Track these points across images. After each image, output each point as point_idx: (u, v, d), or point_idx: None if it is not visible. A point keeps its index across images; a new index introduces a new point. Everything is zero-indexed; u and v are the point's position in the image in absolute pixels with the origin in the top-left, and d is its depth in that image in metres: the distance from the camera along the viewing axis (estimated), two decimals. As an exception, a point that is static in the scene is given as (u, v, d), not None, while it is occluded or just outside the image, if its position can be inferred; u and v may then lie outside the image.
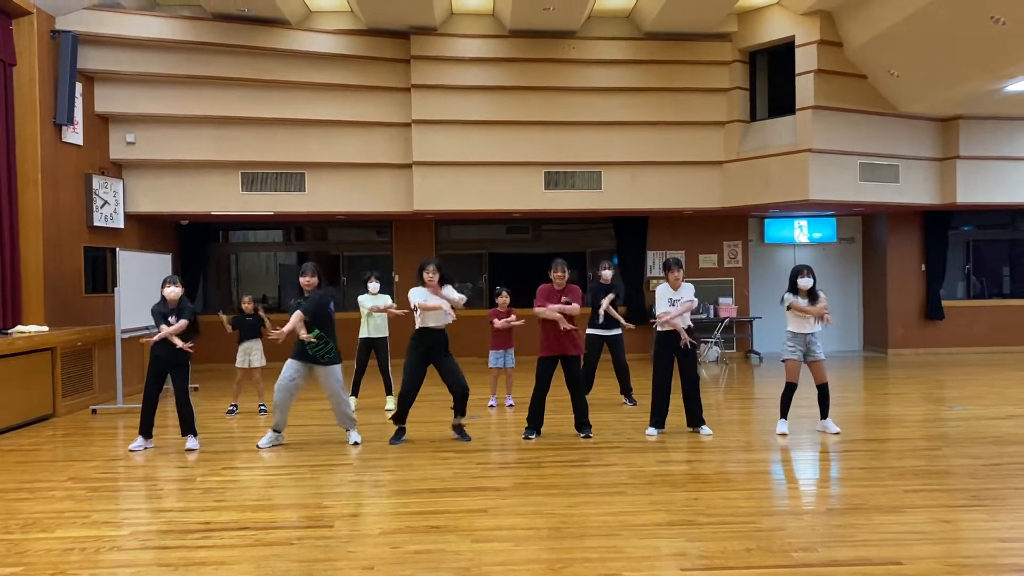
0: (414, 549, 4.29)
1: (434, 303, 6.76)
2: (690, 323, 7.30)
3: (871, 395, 9.84)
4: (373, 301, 8.69)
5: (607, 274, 8.85)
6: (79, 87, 10.44)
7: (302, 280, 6.88)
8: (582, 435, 7.12)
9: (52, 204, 9.86)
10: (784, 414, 7.27)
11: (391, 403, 8.68)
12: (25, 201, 9.59)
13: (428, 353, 6.91)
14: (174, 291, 6.94)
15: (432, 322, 6.87)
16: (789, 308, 7.11)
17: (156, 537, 4.56)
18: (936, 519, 4.72)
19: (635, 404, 8.75)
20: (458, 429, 7.12)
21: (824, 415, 7.28)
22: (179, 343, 6.81)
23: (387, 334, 8.88)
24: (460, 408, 7.01)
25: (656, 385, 7.26)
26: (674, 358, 7.21)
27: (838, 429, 7.20)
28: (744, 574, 3.92)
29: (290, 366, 6.88)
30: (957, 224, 14.37)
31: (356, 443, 6.97)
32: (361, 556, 4.21)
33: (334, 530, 4.67)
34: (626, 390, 8.98)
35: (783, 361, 7.21)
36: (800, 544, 4.30)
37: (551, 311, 6.88)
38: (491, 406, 8.84)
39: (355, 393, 8.71)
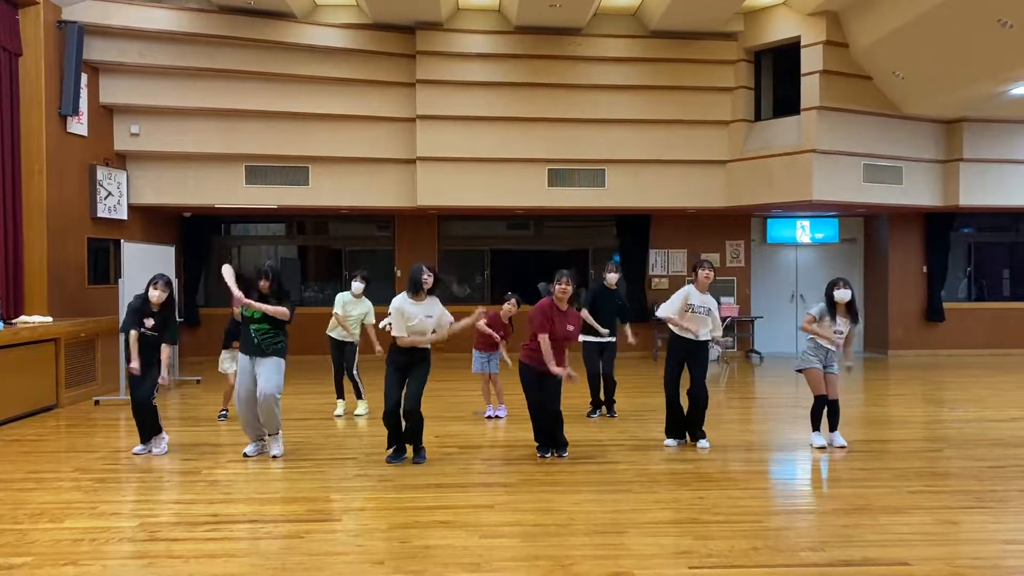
0: (423, 544, 4.31)
1: (410, 339, 5.98)
2: (718, 343, 6.81)
3: (872, 396, 9.87)
4: (353, 304, 8.09)
5: (612, 277, 8.08)
6: (84, 78, 10.42)
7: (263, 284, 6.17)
8: (560, 454, 6.35)
9: (56, 195, 9.85)
10: (816, 426, 6.69)
11: (363, 407, 8.22)
12: (29, 191, 9.58)
13: (405, 368, 6.08)
14: (157, 295, 6.33)
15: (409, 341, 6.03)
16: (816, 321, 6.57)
17: (165, 529, 4.57)
18: (941, 520, 4.74)
19: (614, 416, 8.10)
20: (417, 450, 6.21)
21: (833, 427, 6.71)
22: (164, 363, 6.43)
23: (356, 340, 8.24)
24: (411, 434, 6.13)
25: (667, 394, 6.74)
26: (684, 364, 6.68)
27: (846, 443, 6.67)
28: (752, 572, 3.94)
29: (243, 368, 6.21)
30: (959, 226, 14.39)
31: (276, 456, 6.28)
32: (371, 550, 4.23)
33: (342, 524, 4.69)
34: (609, 402, 8.19)
35: (799, 371, 6.70)
36: (807, 543, 4.32)
37: (559, 370, 6.06)
38: (488, 416, 8.02)
39: (340, 396, 8.34)
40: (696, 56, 12.15)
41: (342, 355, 8.30)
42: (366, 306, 8.24)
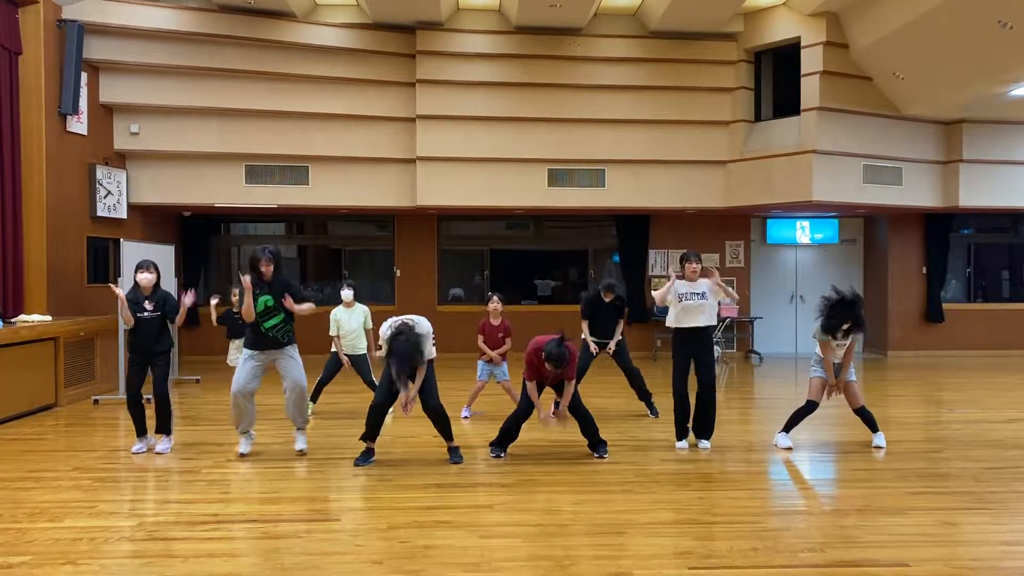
0: (422, 544, 4.31)
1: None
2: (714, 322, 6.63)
3: (871, 397, 9.81)
4: (348, 315, 7.88)
5: (608, 298, 8.02)
6: (84, 77, 10.42)
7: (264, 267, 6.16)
8: (596, 455, 6.35)
9: (56, 194, 9.85)
10: (788, 428, 6.73)
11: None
12: (29, 190, 9.58)
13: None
14: (147, 277, 6.37)
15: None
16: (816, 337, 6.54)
17: (164, 528, 4.57)
18: (940, 521, 4.74)
19: (656, 416, 8.00)
20: (451, 451, 6.24)
21: (874, 429, 6.71)
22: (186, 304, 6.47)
23: (365, 351, 8.01)
24: (443, 432, 6.20)
25: (674, 392, 6.65)
26: (690, 360, 6.55)
27: (884, 444, 6.66)
28: (751, 573, 3.94)
29: (250, 364, 6.19)
30: (958, 227, 14.40)
31: (302, 451, 6.39)
32: (369, 550, 4.22)
33: (341, 524, 4.69)
34: (644, 396, 8.18)
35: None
36: (806, 544, 4.32)
37: (547, 418, 6.23)
38: (464, 417, 7.93)
39: (314, 399, 8.02)
40: (696, 56, 12.15)
41: (339, 368, 7.98)
42: (360, 313, 7.99)
